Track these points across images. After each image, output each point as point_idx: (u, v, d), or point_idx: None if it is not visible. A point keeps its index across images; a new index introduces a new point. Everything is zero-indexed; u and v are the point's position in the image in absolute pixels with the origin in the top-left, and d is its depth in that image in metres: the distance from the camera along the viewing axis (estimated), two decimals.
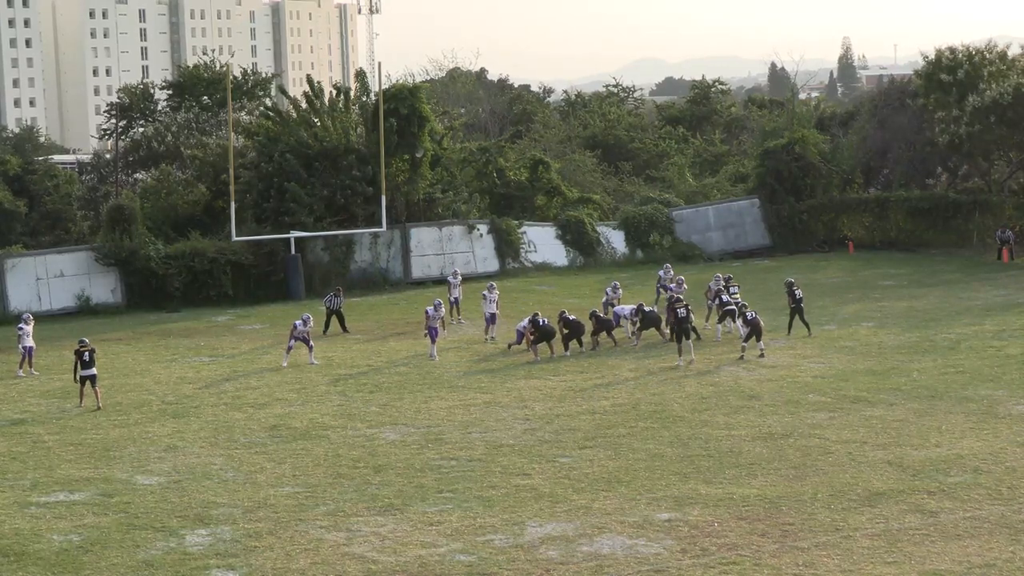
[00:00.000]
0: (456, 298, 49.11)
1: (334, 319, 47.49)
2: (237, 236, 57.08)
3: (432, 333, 41.80)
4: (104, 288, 56.25)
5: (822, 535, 23.05)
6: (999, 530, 23.03)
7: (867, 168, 72.28)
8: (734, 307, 42.16)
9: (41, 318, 50.96)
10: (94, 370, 35.99)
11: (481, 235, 62.76)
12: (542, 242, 64.30)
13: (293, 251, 57.70)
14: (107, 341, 46.19)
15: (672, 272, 50.18)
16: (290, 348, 41.54)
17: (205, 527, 24.57)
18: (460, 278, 50.63)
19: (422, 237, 61.56)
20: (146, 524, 24.82)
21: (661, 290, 48.75)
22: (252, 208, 60.26)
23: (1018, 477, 26.06)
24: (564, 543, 23.07)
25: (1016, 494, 24.99)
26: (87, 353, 35.87)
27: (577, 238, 64.95)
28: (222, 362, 42.39)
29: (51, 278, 55.47)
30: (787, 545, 22.61)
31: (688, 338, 39.49)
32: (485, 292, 45.63)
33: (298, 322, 41.75)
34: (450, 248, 61.85)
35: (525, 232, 64.03)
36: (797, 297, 42.64)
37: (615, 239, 66.03)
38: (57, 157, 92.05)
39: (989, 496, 24.89)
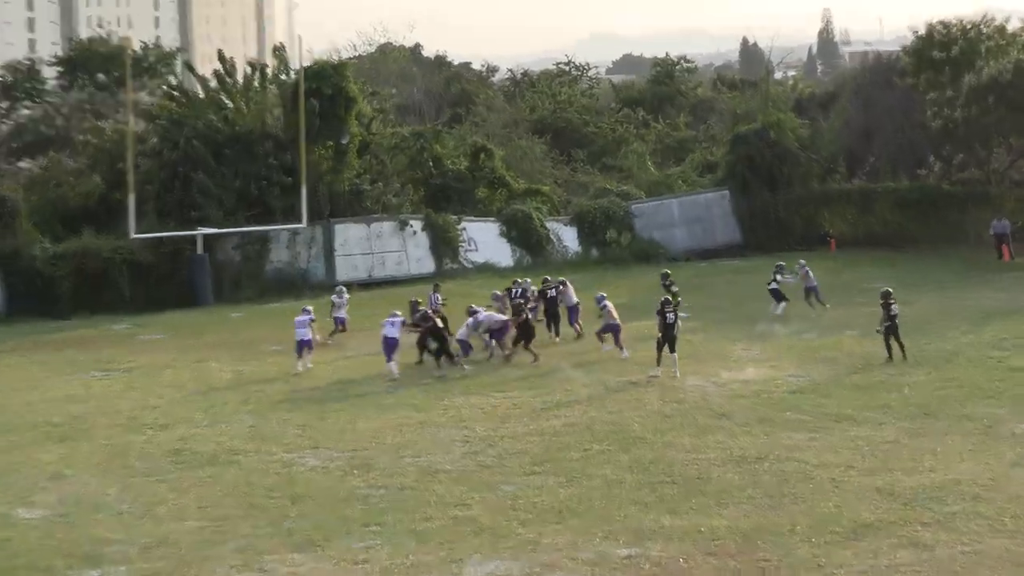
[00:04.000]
0: (341, 318, 46.87)
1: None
2: (136, 233, 56.65)
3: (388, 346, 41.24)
4: None
5: (802, 573, 22.91)
6: (1002, 566, 22.95)
7: (850, 156, 72.63)
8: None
9: None
10: None
11: (415, 232, 62.59)
12: (484, 240, 64.20)
13: (200, 250, 57.36)
14: None
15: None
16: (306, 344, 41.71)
17: (96, 568, 24.17)
18: (347, 296, 48.19)
19: (348, 234, 61.31)
20: (28, 564, 24.38)
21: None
22: (153, 201, 59.93)
23: (1023, 506, 26.03)
24: None
25: (1021, 525, 24.93)
26: None
27: (524, 235, 64.87)
28: (117, 377, 41.95)
29: None
30: None
31: (673, 349, 39.11)
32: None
33: (299, 318, 41.95)
34: (379, 247, 61.62)
35: (465, 228, 63.92)
36: (892, 313, 40.09)
37: (567, 236, 65.99)
38: None
39: (991, 528, 24.82)
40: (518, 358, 41.95)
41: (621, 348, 41.89)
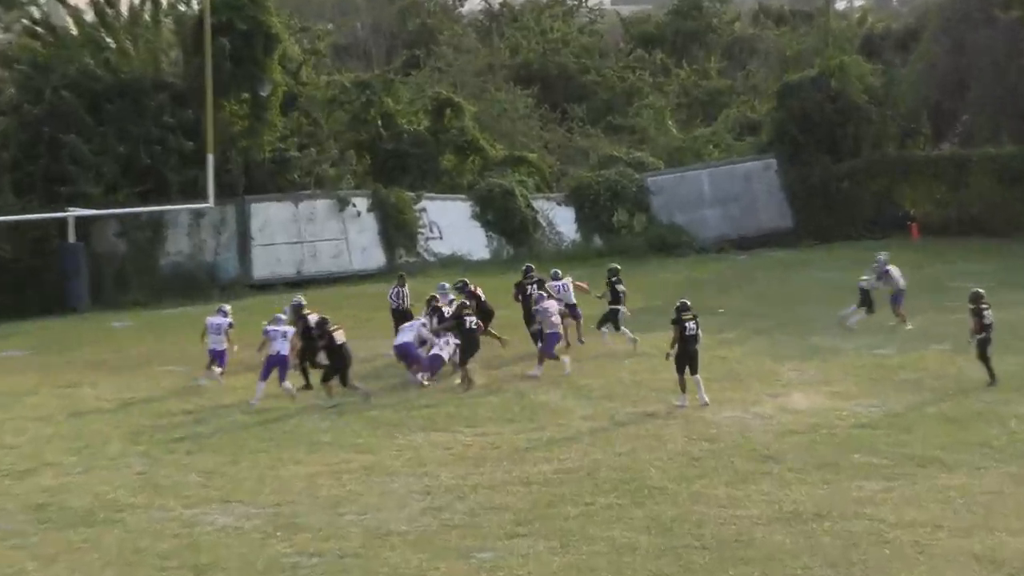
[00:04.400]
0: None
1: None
2: None
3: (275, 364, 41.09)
4: None
5: None
6: None
7: (937, 112, 72.75)
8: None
9: None
10: None
11: (359, 213, 62.64)
12: (451, 224, 64.31)
13: (72, 238, 57.21)
14: None
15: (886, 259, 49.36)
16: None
17: None
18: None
19: (270, 216, 61.39)
20: None
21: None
22: (9, 172, 59.95)
23: None
24: None
25: None
26: None
27: (503, 217, 64.98)
28: None
29: None
30: None
31: (696, 370, 38.75)
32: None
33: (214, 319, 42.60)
34: (311, 233, 61.65)
35: (425, 209, 63.96)
36: (987, 322, 39.59)
37: (561, 219, 66.12)
38: None
39: None
40: (482, 377, 42.01)
41: (539, 364, 41.99)
